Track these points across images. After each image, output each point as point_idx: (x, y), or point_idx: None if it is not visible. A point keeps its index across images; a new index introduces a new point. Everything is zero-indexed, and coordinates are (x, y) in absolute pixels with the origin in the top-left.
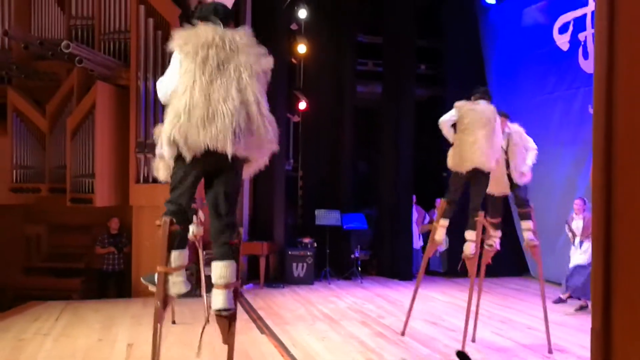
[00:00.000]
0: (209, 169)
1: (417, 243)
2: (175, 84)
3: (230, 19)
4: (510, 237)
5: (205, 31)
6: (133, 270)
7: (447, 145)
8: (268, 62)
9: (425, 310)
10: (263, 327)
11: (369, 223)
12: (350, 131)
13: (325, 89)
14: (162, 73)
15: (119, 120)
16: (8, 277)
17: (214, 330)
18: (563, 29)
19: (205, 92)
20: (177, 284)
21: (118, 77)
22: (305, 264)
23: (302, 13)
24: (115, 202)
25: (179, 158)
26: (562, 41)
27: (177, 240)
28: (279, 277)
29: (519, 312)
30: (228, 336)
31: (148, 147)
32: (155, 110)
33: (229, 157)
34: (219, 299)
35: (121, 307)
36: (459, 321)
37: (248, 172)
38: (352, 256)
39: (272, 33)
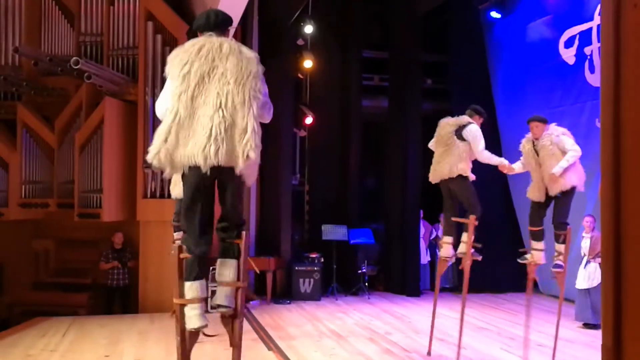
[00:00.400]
0: (207, 184)
1: (425, 258)
2: (167, 105)
3: (225, 24)
4: (519, 253)
5: (189, 45)
6: (140, 285)
7: None
8: (257, 65)
9: (434, 327)
10: (270, 343)
11: (376, 238)
12: (357, 145)
13: (331, 103)
14: None
15: (127, 136)
16: (16, 292)
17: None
18: (569, 43)
19: (189, 109)
20: (192, 317)
21: (126, 92)
22: (312, 280)
23: (309, 29)
24: (122, 217)
25: (183, 176)
26: (568, 55)
27: (189, 269)
28: (286, 293)
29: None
30: (233, 337)
31: None
32: None
33: (207, 172)
34: (218, 294)
35: (127, 322)
36: (468, 338)
37: (248, 180)
38: (359, 271)
39: (278, 48)
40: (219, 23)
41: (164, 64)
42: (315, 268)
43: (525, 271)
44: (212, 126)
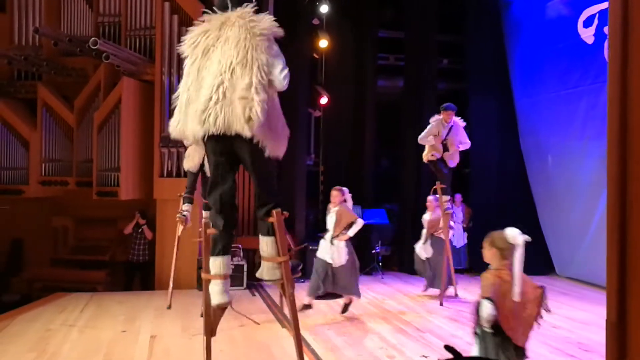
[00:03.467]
0: (227, 157)
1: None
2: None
3: (241, 2)
4: (536, 235)
5: (201, 25)
6: (157, 262)
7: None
8: (265, 26)
9: (447, 307)
10: (284, 321)
11: (390, 218)
12: (372, 126)
13: (346, 83)
14: None
15: (144, 115)
16: (36, 268)
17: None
18: (588, 22)
19: (195, 82)
20: (213, 293)
21: (143, 72)
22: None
23: (324, 8)
24: (139, 196)
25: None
26: (587, 34)
27: (213, 244)
28: (300, 272)
29: (544, 311)
30: (288, 301)
31: (172, 141)
32: None
33: (218, 140)
34: (262, 268)
35: (144, 299)
36: None
37: (272, 152)
38: (373, 251)
39: (293, 28)
40: (235, 2)
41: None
42: None
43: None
44: (210, 93)
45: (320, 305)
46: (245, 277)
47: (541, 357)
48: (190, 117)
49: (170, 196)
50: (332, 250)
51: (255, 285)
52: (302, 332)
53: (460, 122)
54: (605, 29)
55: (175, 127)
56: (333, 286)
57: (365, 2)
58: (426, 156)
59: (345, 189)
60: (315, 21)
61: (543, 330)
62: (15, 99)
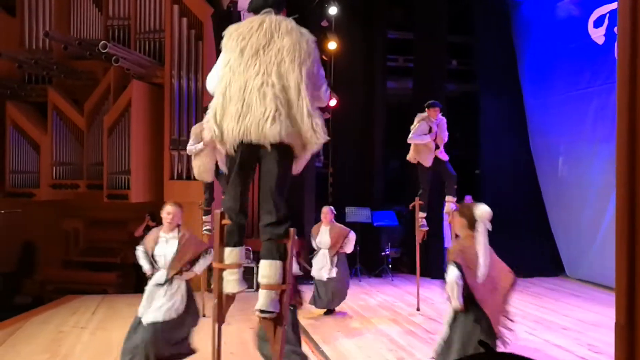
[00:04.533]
0: (253, 160)
1: (449, 241)
2: (217, 79)
3: (282, 4)
4: (546, 236)
5: (248, 22)
6: None
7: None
8: (313, 49)
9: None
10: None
11: (399, 220)
12: (381, 127)
13: (355, 85)
14: (196, 71)
15: (154, 118)
16: (48, 270)
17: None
18: (598, 23)
19: (241, 83)
20: (231, 282)
21: (153, 75)
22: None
23: (333, 10)
24: (149, 198)
25: (227, 154)
26: (598, 35)
27: (229, 236)
28: (309, 274)
29: (554, 312)
30: (274, 342)
31: (182, 144)
32: (189, 108)
33: (268, 146)
34: (260, 299)
35: None
36: None
37: (297, 164)
38: (383, 253)
39: None
40: (276, 2)
41: (189, 46)
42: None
43: (551, 256)
44: (267, 102)
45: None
46: (255, 280)
47: (551, 358)
48: (232, 118)
49: (180, 198)
50: (328, 268)
51: None
52: (312, 334)
53: (444, 119)
54: (616, 29)
55: (215, 120)
56: (329, 304)
57: (374, 3)
58: (414, 157)
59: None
60: (324, 23)
61: (553, 332)
62: (26, 102)
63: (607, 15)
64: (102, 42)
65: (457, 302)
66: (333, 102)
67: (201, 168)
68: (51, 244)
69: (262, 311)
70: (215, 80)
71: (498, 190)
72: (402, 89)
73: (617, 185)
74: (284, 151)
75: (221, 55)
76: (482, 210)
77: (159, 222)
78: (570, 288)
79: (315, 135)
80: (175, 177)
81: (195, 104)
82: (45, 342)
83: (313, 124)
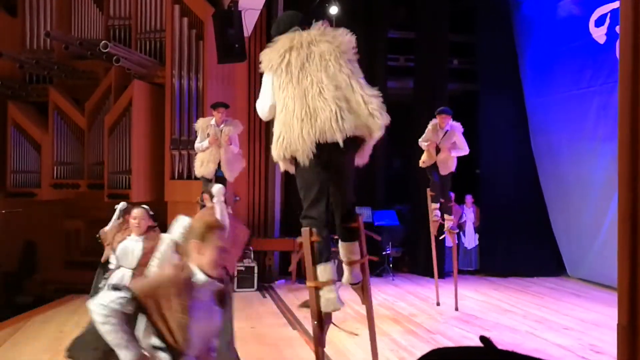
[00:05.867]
0: (326, 163)
1: (449, 241)
2: (270, 102)
3: (308, 22)
4: (547, 235)
5: (282, 41)
6: None
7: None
8: (349, 39)
9: (458, 309)
10: (295, 322)
11: (400, 220)
12: None
13: None
14: (197, 71)
15: (155, 118)
16: (49, 270)
17: None
18: (599, 22)
19: (300, 98)
20: (331, 300)
21: (154, 75)
22: (336, 260)
23: (334, 9)
24: (151, 198)
25: (297, 167)
26: (599, 34)
27: (320, 253)
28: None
29: (555, 312)
30: (364, 299)
31: (183, 143)
32: (190, 108)
33: (341, 144)
34: (347, 275)
35: None
36: (494, 320)
37: (363, 153)
38: (384, 253)
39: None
40: (304, 20)
41: (190, 46)
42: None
43: (552, 255)
44: (329, 103)
45: None
46: (256, 279)
47: (553, 358)
48: (299, 138)
49: (181, 198)
50: None
51: (265, 287)
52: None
53: (458, 127)
54: (617, 29)
55: (281, 144)
56: None
57: (375, 3)
58: (421, 161)
59: None
60: (325, 22)
61: (554, 332)
62: (27, 102)
63: (609, 14)
64: (103, 42)
65: None
66: None
67: (204, 164)
68: (52, 243)
69: (352, 284)
70: (267, 103)
71: (499, 189)
72: (403, 88)
73: (619, 184)
74: (354, 145)
75: (266, 79)
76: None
77: (159, 222)
78: (571, 287)
79: (374, 119)
80: (176, 177)
81: (196, 103)
82: (47, 342)
83: (370, 109)
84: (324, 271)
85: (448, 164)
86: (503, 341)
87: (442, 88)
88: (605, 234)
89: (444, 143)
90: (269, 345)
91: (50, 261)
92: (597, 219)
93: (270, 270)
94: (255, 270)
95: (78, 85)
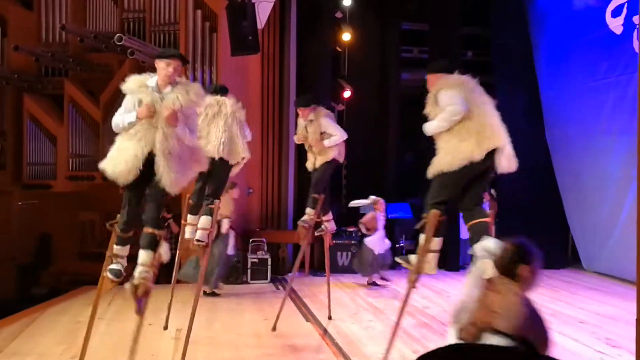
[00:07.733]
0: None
1: (465, 233)
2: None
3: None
4: (561, 229)
5: (463, 78)
6: (181, 256)
7: None
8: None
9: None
10: (308, 315)
11: (414, 212)
12: (395, 119)
13: (370, 77)
14: (210, 63)
15: None
16: (64, 261)
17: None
18: (616, 12)
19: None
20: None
21: None
22: (349, 253)
23: (347, 1)
24: None
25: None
26: (615, 24)
27: (442, 229)
28: (323, 266)
29: (570, 306)
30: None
31: None
32: None
33: None
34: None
35: (169, 293)
36: None
37: None
38: (397, 245)
39: (317, 21)
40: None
41: (204, 38)
42: (353, 241)
43: (567, 249)
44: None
45: (344, 298)
46: (269, 271)
47: (568, 352)
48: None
49: (191, 186)
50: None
51: (279, 279)
52: (326, 326)
53: None
54: (635, 19)
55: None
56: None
57: None
58: None
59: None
60: (339, 14)
61: (570, 325)
62: (42, 95)
63: (626, 4)
64: (118, 34)
65: None
66: (347, 94)
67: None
68: (67, 235)
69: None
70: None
71: (514, 182)
72: (417, 80)
73: (638, 178)
74: None
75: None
76: None
77: (174, 213)
78: (587, 281)
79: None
80: None
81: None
82: (62, 333)
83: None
84: (437, 242)
85: None
86: None
87: None
88: (622, 227)
89: None
90: (282, 336)
91: (65, 253)
92: (613, 212)
93: (284, 262)
94: (269, 262)
95: (93, 78)
